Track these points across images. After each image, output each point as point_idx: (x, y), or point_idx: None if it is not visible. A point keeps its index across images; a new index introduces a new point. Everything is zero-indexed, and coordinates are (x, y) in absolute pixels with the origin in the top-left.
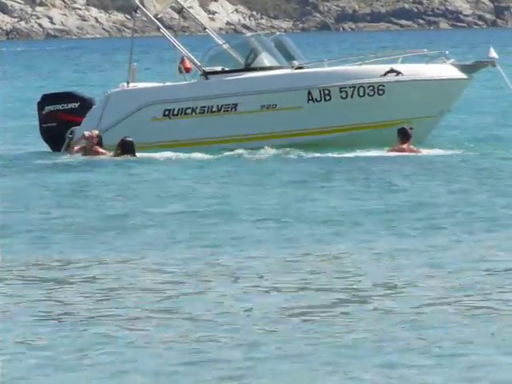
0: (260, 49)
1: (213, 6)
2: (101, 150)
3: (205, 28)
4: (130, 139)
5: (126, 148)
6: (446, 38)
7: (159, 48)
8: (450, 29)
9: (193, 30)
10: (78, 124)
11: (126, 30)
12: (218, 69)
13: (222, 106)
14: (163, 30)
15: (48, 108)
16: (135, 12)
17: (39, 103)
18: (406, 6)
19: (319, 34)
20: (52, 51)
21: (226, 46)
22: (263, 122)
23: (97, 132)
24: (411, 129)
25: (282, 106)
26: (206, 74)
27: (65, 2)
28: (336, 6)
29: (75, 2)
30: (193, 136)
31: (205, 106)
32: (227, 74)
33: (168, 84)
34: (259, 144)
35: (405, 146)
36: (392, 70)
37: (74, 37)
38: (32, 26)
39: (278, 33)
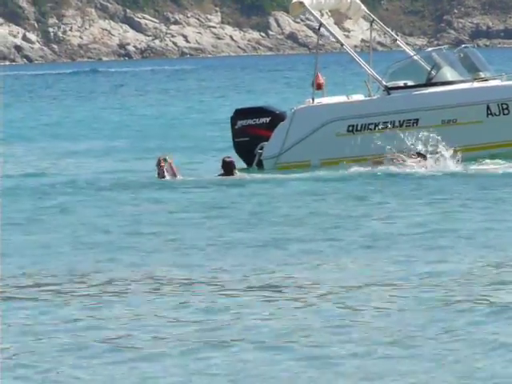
0: (442, 63)
1: (348, 24)
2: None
3: (395, 40)
4: (231, 159)
5: (227, 168)
6: None
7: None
8: None
9: (328, 48)
10: (269, 139)
11: (260, 47)
12: (400, 84)
13: (403, 121)
14: (346, 47)
15: (240, 123)
16: (318, 29)
17: (232, 118)
18: None
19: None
20: (216, 67)
21: (407, 62)
22: (444, 137)
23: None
24: None
25: (462, 120)
26: (387, 90)
27: (199, 21)
28: (470, 22)
29: (210, 21)
30: (376, 151)
31: (387, 122)
32: (408, 90)
33: (351, 100)
34: None
35: None
36: None
37: (209, 55)
38: (167, 45)
39: (463, 45)
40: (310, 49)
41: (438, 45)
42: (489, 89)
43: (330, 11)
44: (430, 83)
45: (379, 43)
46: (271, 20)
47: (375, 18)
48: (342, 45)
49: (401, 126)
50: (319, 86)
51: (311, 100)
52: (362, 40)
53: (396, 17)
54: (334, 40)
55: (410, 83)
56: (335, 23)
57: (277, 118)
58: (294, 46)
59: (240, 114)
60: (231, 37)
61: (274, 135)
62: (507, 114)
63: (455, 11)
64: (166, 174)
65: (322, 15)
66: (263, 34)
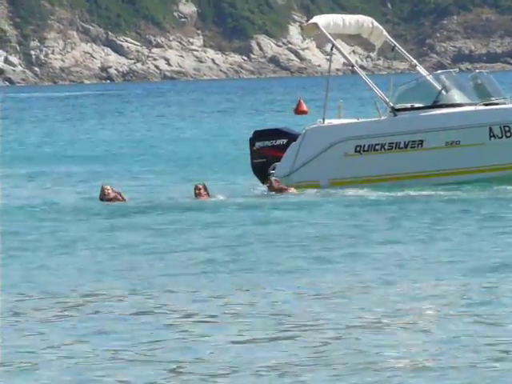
0: (450, 86)
1: (329, 47)
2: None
3: (415, 65)
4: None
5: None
6: None
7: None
8: None
9: (310, 72)
10: None
11: (242, 71)
12: (408, 106)
13: (408, 142)
14: (357, 68)
15: (258, 144)
16: (331, 50)
17: (251, 139)
18: None
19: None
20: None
21: (415, 83)
22: (448, 159)
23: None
24: None
25: (465, 142)
26: (394, 111)
27: (181, 44)
28: (452, 46)
29: (192, 44)
30: (382, 172)
31: (393, 143)
32: (414, 111)
33: (359, 121)
34: (444, 180)
35: None
36: None
37: (191, 78)
38: (148, 68)
39: (477, 70)
40: (291, 72)
41: None
42: (492, 111)
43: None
44: (436, 105)
45: (361, 67)
46: (253, 43)
47: (397, 44)
48: (352, 66)
49: (406, 147)
50: (302, 112)
51: (322, 120)
52: (345, 63)
53: None
54: (408, 59)
55: (417, 105)
56: (317, 47)
57: (293, 139)
58: (276, 70)
59: (258, 135)
60: (213, 60)
61: (285, 155)
62: (510, 137)
63: (437, 35)
64: None
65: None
66: (245, 58)
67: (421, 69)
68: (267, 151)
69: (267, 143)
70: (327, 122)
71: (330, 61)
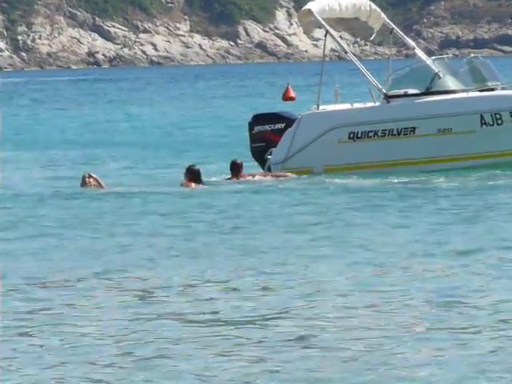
0: (442, 72)
1: (316, 33)
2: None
3: (414, 48)
4: (197, 168)
5: (193, 176)
6: None
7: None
8: None
9: (296, 57)
10: None
11: (229, 56)
12: (401, 92)
13: (401, 129)
14: (350, 54)
15: (257, 128)
16: (325, 36)
17: (250, 123)
18: (510, 32)
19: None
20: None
21: (409, 70)
22: (440, 146)
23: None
24: None
25: (457, 129)
26: (387, 98)
27: (168, 29)
28: (440, 32)
29: (179, 29)
30: (375, 159)
31: (386, 130)
32: (407, 98)
33: (353, 107)
34: (436, 167)
35: None
36: None
37: (178, 63)
38: (135, 53)
39: (473, 55)
40: (278, 58)
41: (407, 55)
42: (482, 98)
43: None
44: (429, 92)
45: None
46: (240, 29)
47: (394, 27)
48: (345, 52)
49: (399, 134)
50: (290, 99)
51: (316, 106)
52: (332, 49)
53: None
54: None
55: (410, 91)
56: (304, 33)
57: (291, 124)
58: (263, 55)
59: (257, 119)
60: (200, 45)
61: (281, 141)
62: (501, 124)
63: (424, 21)
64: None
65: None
66: (232, 43)
67: (419, 52)
68: (266, 135)
69: (266, 127)
70: (321, 108)
71: (324, 46)
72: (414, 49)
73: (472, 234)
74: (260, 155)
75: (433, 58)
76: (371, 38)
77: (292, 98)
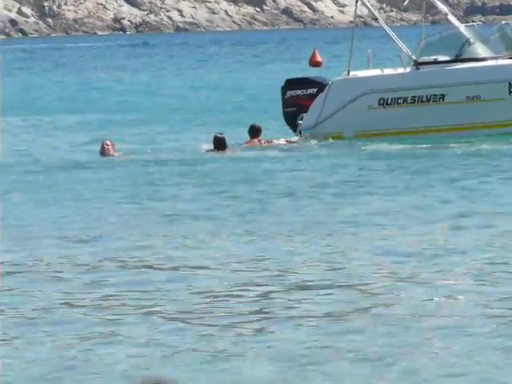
0: (472, 39)
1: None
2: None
3: (447, 14)
4: (223, 136)
5: (217, 144)
6: None
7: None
8: None
9: (322, 23)
10: None
11: (255, 22)
12: (431, 59)
13: (430, 96)
14: (380, 21)
15: (290, 93)
16: (356, 2)
17: (283, 88)
18: None
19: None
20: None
21: (439, 37)
22: (468, 113)
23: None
24: None
25: (486, 97)
26: (417, 65)
27: None
28: None
29: None
30: (404, 125)
31: (415, 96)
32: (437, 65)
33: (383, 73)
34: (464, 134)
35: None
36: None
37: (204, 30)
38: (161, 19)
39: (504, 22)
40: (304, 24)
41: (433, 21)
42: (511, 66)
43: None
44: (459, 59)
45: (374, 19)
46: None
47: None
48: (376, 19)
49: (428, 101)
50: (317, 64)
51: (347, 72)
52: (358, 15)
53: None
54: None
55: (440, 59)
56: None
57: (323, 89)
58: (290, 21)
59: (289, 84)
60: (226, 11)
61: (312, 106)
62: None
63: None
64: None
65: None
66: (258, 9)
67: (452, 18)
68: (298, 100)
69: (298, 92)
70: (352, 73)
71: (355, 11)
72: (446, 14)
73: None
74: (292, 120)
75: (463, 25)
76: (404, 4)
77: (319, 63)
